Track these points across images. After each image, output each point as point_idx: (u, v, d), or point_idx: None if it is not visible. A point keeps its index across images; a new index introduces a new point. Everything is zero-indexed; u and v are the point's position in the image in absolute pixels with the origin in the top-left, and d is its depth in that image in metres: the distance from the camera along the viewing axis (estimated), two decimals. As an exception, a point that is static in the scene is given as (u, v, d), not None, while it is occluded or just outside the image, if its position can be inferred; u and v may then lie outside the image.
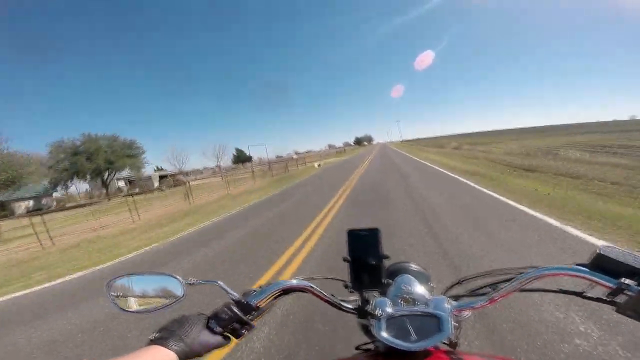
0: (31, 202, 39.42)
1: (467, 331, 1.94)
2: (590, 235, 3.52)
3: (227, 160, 74.08)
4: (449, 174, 10.53)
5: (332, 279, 0.73)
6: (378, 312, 0.56)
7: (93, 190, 43.33)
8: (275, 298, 0.65)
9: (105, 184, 38.63)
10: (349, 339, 2.00)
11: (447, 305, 0.56)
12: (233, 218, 8.65)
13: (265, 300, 0.63)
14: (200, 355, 0.53)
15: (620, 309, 0.49)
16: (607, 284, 0.49)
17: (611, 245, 0.53)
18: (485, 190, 7.04)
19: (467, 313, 0.59)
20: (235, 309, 0.58)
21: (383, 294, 0.63)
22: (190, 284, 0.64)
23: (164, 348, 0.49)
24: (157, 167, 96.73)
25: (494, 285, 0.61)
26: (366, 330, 0.64)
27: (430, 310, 0.55)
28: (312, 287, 0.65)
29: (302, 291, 0.66)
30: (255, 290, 0.64)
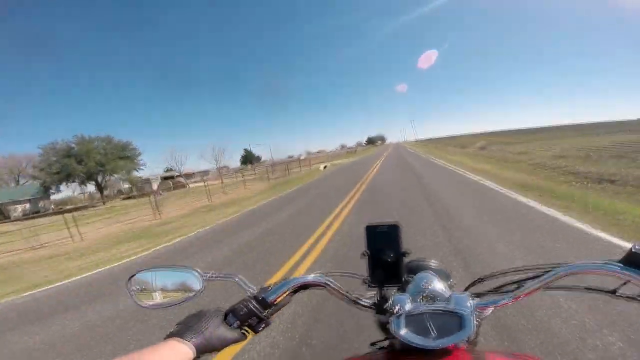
0: (28, 205, 38.06)
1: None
2: None
3: (229, 162, 71.93)
4: (492, 186, 7.26)
5: (349, 274, 0.72)
6: (397, 308, 0.55)
7: (88, 193, 41.97)
8: (292, 294, 0.65)
9: (100, 187, 36.69)
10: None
11: (469, 303, 0.54)
12: (179, 249, 6.46)
13: (282, 295, 0.63)
14: (217, 350, 0.54)
15: None
16: None
17: None
18: (575, 222, 3.93)
19: (488, 311, 0.57)
20: (253, 305, 0.58)
21: (402, 290, 0.62)
22: (209, 278, 0.63)
23: (182, 341, 0.49)
24: (167, 168, 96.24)
25: (518, 283, 0.60)
26: (382, 327, 0.64)
27: (451, 307, 0.53)
28: (328, 282, 0.65)
29: (318, 287, 0.66)
30: (272, 286, 0.64)
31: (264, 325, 0.60)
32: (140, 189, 39.26)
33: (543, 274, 0.56)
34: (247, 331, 0.59)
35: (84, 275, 5.62)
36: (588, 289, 0.57)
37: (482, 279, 0.69)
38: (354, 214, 6.53)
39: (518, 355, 0.57)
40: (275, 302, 0.62)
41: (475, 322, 0.53)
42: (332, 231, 5.33)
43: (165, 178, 65.48)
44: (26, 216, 30.34)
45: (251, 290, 0.63)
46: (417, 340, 0.51)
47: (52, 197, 41.94)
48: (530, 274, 0.59)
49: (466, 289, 0.66)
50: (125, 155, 36.22)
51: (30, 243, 10.94)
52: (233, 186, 23.58)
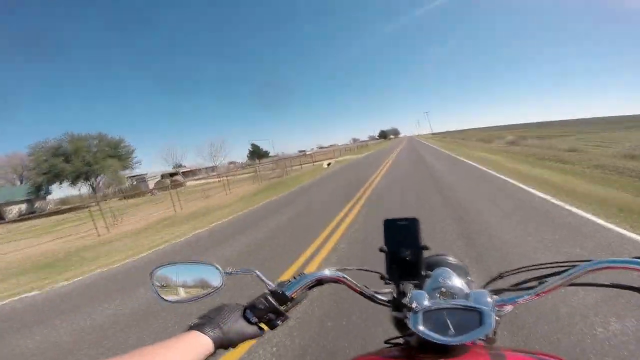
0: (24, 206, 36.65)
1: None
2: None
3: (232, 157, 69.30)
4: (585, 215, 4.06)
5: (366, 270, 0.71)
6: (415, 305, 0.54)
7: (92, 192, 40.27)
8: (309, 288, 0.65)
9: (93, 187, 34.76)
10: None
11: (489, 300, 0.52)
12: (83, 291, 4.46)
13: (299, 290, 0.62)
14: (235, 344, 0.54)
15: None
16: None
17: None
18: None
19: (508, 308, 0.57)
20: (272, 300, 0.58)
21: (419, 286, 0.61)
22: (229, 273, 0.64)
23: (201, 334, 0.50)
24: (176, 164, 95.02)
25: (540, 279, 0.58)
26: (398, 323, 0.64)
27: (471, 304, 0.52)
28: (345, 278, 0.65)
29: (335, 282, 0.65)
30: (290, 281, 0.64)
31: (281, 320, 0.59)
32: (136, 187, 37.22)
33: (566, 270, 0.55)
34: (264, 327, 0.59)
35: None
36: (613, 285, 0.56)
37: (501, 275, 0.69)
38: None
39: (537, 353, 0.53)
40: (292, 297, 0.61)
41: (495, 319, 0.51)
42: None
43: (168, 175, 64.06)
44: (22, 217, 28.89)
45: (270, 285, 0.62)
46: (436, 336, 0.50)
47: (55, 196, 40.68)
48: (551, 271, 0.58)
49: (485, 286, 0.66)
50: (116, 154, 34.04)
51: None
52: (224, 187, 20.87)
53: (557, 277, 0.55)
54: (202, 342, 0.49)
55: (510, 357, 0.52)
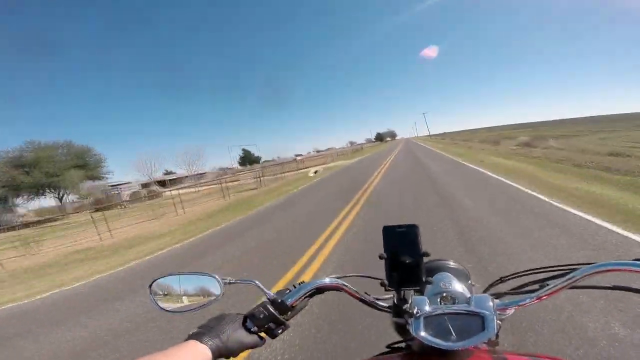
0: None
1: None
2: None
3: (213, 164, 65.28)
4: None
5: (367, 277, 0.71)
6: (416, 310, 0.54)
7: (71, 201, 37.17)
8: (309, 297, 0.64)
9: (60, 199, 31.59)
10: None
11: (490, 304, 0.52)
12: None
13: (299, 299, 0.62)
14: (234, 354, 0.53)
15: None
16: None
17: None
18: None
19: (510, 311, 0.56)
20: (271, 309, 0.58)
21: (420, 292, 0.62)
22: (228, 283, 0.64)
23: (200, 343, 0.50)
24: (167, 171, 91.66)
25: (541, 282, 0.58)
26: (399, 329, 0.64)
27: (473, 308, 0.52)
28: (345, 285, 0.65)
29: (335, 290, 0.65)
30: (290, 290, 0.64)
31: (282, 329, 0.59)
32: (109, 198, 34.06)
33: (567, 273, 0.54)
34: (264, 336, 0.58)
35: None
36: (615, 287, 0.55)
37: (502, 279, 0.69)
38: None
39: (540, 356, 0.56)
40: (293, 306, 0.61)
41: (497, 323, 0.51)
42: None
43: (155, 183, 60.81)
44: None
45: (270, 295, 0.62)
46: (438, 342, 0.50)
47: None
48: (552, 274, 0.58)
49: (486, 290, 0.66)
50: (84, 163, 30.92)
51: None
52: (190, 202, 17.82)
53: (559, 280, 0.54)
54: (201, 351, 0.49)
55: None
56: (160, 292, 0.65)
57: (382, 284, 0.61)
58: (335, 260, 4.01)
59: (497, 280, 0.69)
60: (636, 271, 0.48)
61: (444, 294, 0.57)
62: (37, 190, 28.23)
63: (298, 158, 41.51)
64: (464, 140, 33.21)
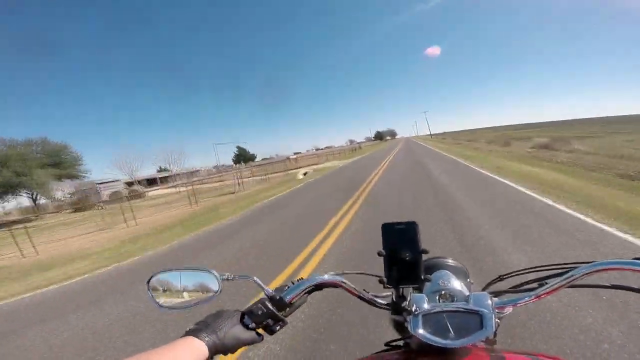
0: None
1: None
2: None
3: (195, 164, 61.59)
4: None
5: (366, 274, 0.71)
6: (414, 308, 0.54)
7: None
8: (308, 293, 0.64)
9: (34, 199, 29.35)
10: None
11: (489, 302, 0.52)
12: None
13: (298, 295, 0.62)
14: (231, 350, 0.53)
15: None
16: None
17: None
18: None
19: (508, 310, 0.56)
20: (270, 305, 0.58)
21: (419, 290, 0.61)
22: (226, 279, 0.63)
23: (196, 339, 0.50)
24: (160, 168, 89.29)
25: (540, 281, 0.58)
26: (398, 326, 0.64)
27: (471, 306, 0.52)
28: (344, 282, 0.65)
29: (334, 286, 0.65)
30: (288, 286, 0.63)
31: (280, 325, 0.59)
32: (84, 200, 31.80)
33: (566, 272, 0.54)
34: (262, 333, 0.58)
35: None
36: (614, 286, 0.55)
37: (501, 277, 0.69)
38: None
39: (538, 354, 0.54)
40: (291, 302, 0.61)
41: (495, 321, 0.51)
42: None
43: (145, 182, 58.43)
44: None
45: (268, 291, 0.61)
46: (436, 339, 0.50)
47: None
48: (552, 272, 0.58)
49: (485, 288, 0.65)
50: (59, 162, 28.61)
51: None
52: (155, 208, 15.64)
53: (558, 278, 0.54)
54: (197, 347, 0.48)
55: (510, 359, 0.50)
56: (159, 288, 0.64)
57: (380, 281, 0.61)
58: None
59: (496, 279, 0.70)
60: (635, 270, 0.48)
61: (443, 292, 0.57)
62: (7, 190, 25.91)
63: (292, 157, 39.29)
64: (468, 141, 30.68)
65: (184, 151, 54.35)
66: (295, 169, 28.58)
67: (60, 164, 28.92)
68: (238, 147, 73.35)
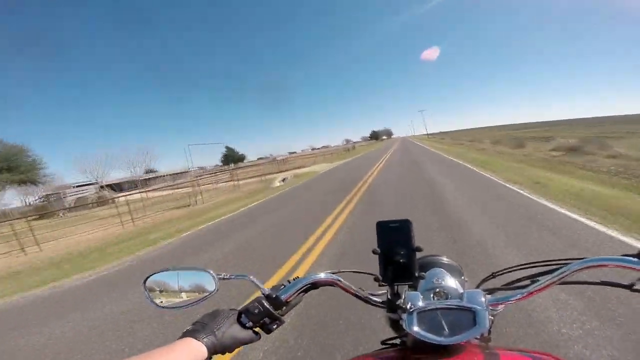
0: None
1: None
2: None
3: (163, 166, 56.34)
4: None
5: (361, 272, 0.72)
6: (409, 305, 0.54)
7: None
8: (304, 292, 0.64)
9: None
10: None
11: (482, 299, 0.52)
12: None
13: (294, 294, 0.62)
14: (230, 349, 0.53)
15: None
16: None
17: None
18: None
19: (501, 307, 0.57)
20: (266, 304, 0.58)
21: (414, 287, 0.61)
22: (223, 278, 0.63)
23: (195, 340, 0.49)
24: (147, 169, 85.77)
25: (532, 278, 0.59)
26: (394, 324, 0.64)
27: (465, 304, 0.52)
28: (340, 280, 0.65)
29: (330, 285, 0.65)
30: (284, 285, 0.63)
31: (277, 324, 0.58)
32: (44, 207, 28.58)
33: (557, 269, 0.55)
34: (259, 332, 0.58)
35: None
36: (604, 282, 0.56)
37: (494, 274, 0.69)
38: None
39: (531, 351, 0.54)
40: (287, 301, 0.61)
41: (489, 318, 0.51)
42: None
43: (132, 182, 54.98)
44: None
45: (264, 290, 0.61)
46: (430, 336, 0.50)
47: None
48: (543, 269, 0.59)
49: (478, 285, 0.66)
50: (14, 165, 25.37)
51: None
52: (95, 222, 12.65)
53: (549, 275, 0.55)
54: (196, 348, 0.48)
55: (504, 356, 0.51)
56: (155, 288, 0.64)
57: (376, 279, 0.61)
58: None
59: (489, 276, 0.70)
60: (624, 267, 0.48)
61: (437, 290, 0.57)
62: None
63: (279, 158, 36.22)
64: (470, 141, 27.47)
65: (152, 152, 48.86)
66: (278, 172, 25.59)
67: (16, 168, 25.70)
68: (227, 147, 69.99)
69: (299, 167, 26.37)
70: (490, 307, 0.53)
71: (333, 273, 0.66)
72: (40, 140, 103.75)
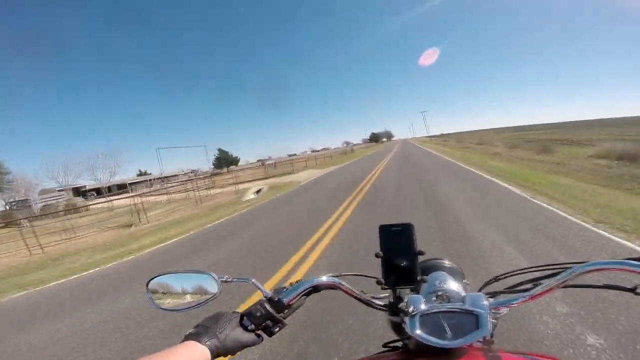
0: None
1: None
2: None
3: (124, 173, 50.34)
4: None
5: (363, 275, 0.71)
6: (412, 309, 0.53)
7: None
8: (306, 295, 0.64)
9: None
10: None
11: (484, 302, 0.52)
12: None
13: (296, 297, 0.62)
14: (232, 352, 0.53)
15: None
16: None
17: None
18: None
19: (504, 310, 0.56)
20: (268, 307, 0.58)
21: (416, 291, 0.61)
22: (225, 281, 0.63)
23: (198, 343, 0.49)
24: (140, 171, 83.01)
25: (534, 281, 0.58)
26: (396, 327, 0.64)
27: (467, 307, 0.52)
28: (342, 284, 0.65)
29: (332, 288, 0.65)
30: (286, 288, 0.63)
31: (279, 327, 0.58)
32: (9, 215, 25.79)
33: (560, 272, 0.54)
34: (261, 334, 0.58)
35: None
36: (607, 286, 0.55)
37: (497, 278, 0.69)
38: None
39: (534, 354, 0.54)
40: (290, 304, 0.61)
41: (491, 321, 0.51)
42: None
43: (115, 187, 51.93)
44: None
45: (266, 293, 0.61)
46: (433, 340, 0.50)
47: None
48: (546, 273, 0.58)
49: (481, 289, 0.66)
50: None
51: None
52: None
53: (552, 279, 0.54)
54: (199, 351, 0.48)
55: (507, 359, 0.50)
56: (158, 291, 0.64)
57: (378, 282, 0.61)
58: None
59: (492, 279, 0.69)
60: (628, 270, 0.48)
61: (439, 293, 0.56)
62: None
63: (268, 163, 33.49)
64: (479, 144, 24.42)
65: (118, 157, 43.91)
66: (265, 178, 22.78)
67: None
68: (219, 150, 66.90)
69: (288, 173, 23.54)
70: (492, 310, 0.52)
71: (335, 276, 0.65)
72: (42, 142, 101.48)
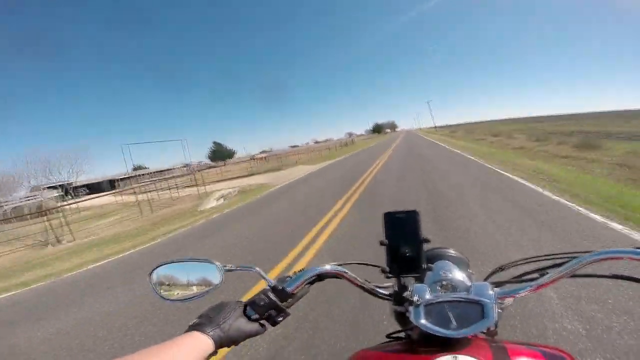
0: None
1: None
2: None
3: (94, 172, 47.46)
4: None
5: (368, 264, 0.71)
6: (416, 298, 0.53)
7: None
8: (310, 284, 0.63)
9: None
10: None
11: (490, 292, 0.51)
12: None
13: (300, 286, 0.61)
14: (236, 342, 0.53)
15: None
16: None
17: None
18: None
19: (509, 300, 0.56)
20: (272, 296, 0.57)
21: (420, 280, 0.60)
22: (228, 270, 0.62)
23: (201, 334, 0.49)
24: (135, 166, 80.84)
25: (541, 271, 0.57)
26: (399, 317, 0.63)
27: (473, 297, 0.51)
28: (346, 272, 0.64)
29: (336, 277, 0.65)
30: (290, 277, 0.62)
31: (282, 316, 0.57)
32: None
33: (567, 262, 0.53)
34: (265, 324, 0.57)
35: None
36: (615, 276, 0.55)
37: (502, 267, 0.68)
38: None
39: (539, 345, 0.54)
40: (293, 293, 0.60)
41: (496, 311, 0.50)
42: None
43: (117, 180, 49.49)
44: None
45: (270, 282, 0.60)
46: (437, 329, 0.49)
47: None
48: (552, 262, 0.58)
49: (486, 279, 0.65)
50: None
51: None
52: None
53: (559, 268, 0.53)
54: (203, 342, 0.48)
55: (511, 349, 0.50)
56: (161, 281, 0.63)
57: (382, 271, 0.60)
58: None
59: (497, 269, 0.68)
60: (636, 259, 0.47)
61: (444, 282, 0.56)
62: None
63: (258, 157, 31.26)
64: (495, 136, 21.34)
65: (82, 156, 41.94)
66: (247, 176, 20.34)
67: None
68: (215, 143, 64.41)
69: (276, 170, 21.05)
70: (498, 300, 0.51)
71: (339, 265, 0.65)
72: (42, 142, 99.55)
